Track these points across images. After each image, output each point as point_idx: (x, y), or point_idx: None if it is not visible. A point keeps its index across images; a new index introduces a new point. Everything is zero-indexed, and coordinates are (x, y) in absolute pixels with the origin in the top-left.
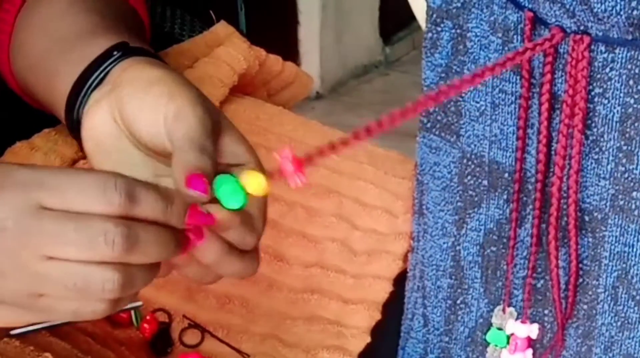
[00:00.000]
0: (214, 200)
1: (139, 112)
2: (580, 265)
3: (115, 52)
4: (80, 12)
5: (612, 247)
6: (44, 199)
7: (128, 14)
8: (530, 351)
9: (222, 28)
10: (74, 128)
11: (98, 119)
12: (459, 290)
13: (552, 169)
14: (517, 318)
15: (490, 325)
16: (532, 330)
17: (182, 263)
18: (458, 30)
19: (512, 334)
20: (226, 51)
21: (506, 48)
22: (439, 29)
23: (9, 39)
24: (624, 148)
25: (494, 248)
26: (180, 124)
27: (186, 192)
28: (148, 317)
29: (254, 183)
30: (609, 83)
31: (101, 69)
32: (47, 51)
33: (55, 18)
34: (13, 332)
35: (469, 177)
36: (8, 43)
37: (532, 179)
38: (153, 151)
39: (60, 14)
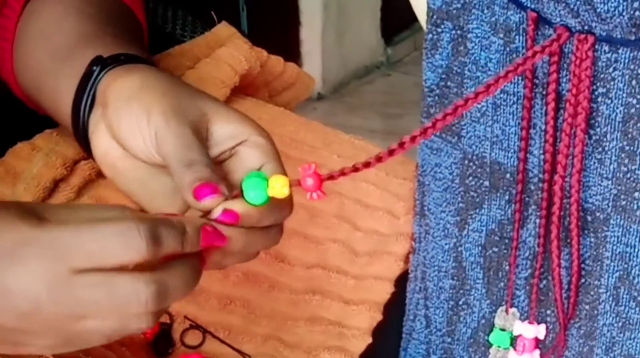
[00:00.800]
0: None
1: (126, 133)
2: (582, 265)
3: (94, 68)
4: (74, 19)
5: (614, 247)
6: (71, 264)
7: (123, 16)
8: (537, 352)
9: (223, 29)
10: (89, 151)
11: (104, 145)
12: (461, 291)
13: (554, 169)
14: (519, 319)
15: (493, 325)
16: (540, 331)
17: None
18: (458, 31)
19: (519, 335)
20: (228, 52)
21: (508, 49)
22: (440, 30)
23: (11, 46)
24: (627, 148)
25: (495, 249)
26: (163, 146)
27: (202, 205)
28: None
29: (278, 185)
30: (612, 83)
31: (88, 89)
32: (45, 65)
33: (51, 27)
34: None
35: (471, 178)
36: (11, 51)
37: (535, 180)
38: (152, 164)
39: (55, 22)
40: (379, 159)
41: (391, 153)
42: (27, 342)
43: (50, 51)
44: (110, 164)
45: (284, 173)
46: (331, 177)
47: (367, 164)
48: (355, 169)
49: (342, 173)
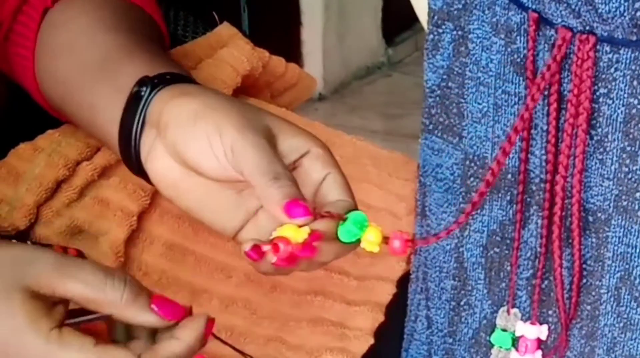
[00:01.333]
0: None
1: (194, 153)
2: (584, 266)
3: (143, 89)
4: (102, 33)
5: (616, 248)
6: None
7: (147, 25)
8: (539, 352)
9: (225, 29)
10: (140, 171)
11: (162, 168)
12: (463, 292)
13: (556, 169)
14: (521, 319)
15: (494, 326)
16: (542, 331)
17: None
18: (459, 32)
19: (521, 336)
20: (229, 53)
21: (509, 49)
22: (441, 30)
23: (32, 55)
24: (628, 148)
25: (497, 250)
26: (242, 159)
27: (294, 222)
28: None
29: (371, 237)
30: (613, 83)
31: (139, 112)
32: (75, 79)
33: (79, 40)
34: (67, 321)
35: (472, 179)
36: (32, 60)
37: (536, 180)
38: (224, 180)
39: (83, 35)
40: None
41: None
42: None
43: (79, 64)
44: (171, 185)
45: (347, 182)
46: (415, 245)
47: (449, 232)
48: (438, 237)
49: (426, 241)
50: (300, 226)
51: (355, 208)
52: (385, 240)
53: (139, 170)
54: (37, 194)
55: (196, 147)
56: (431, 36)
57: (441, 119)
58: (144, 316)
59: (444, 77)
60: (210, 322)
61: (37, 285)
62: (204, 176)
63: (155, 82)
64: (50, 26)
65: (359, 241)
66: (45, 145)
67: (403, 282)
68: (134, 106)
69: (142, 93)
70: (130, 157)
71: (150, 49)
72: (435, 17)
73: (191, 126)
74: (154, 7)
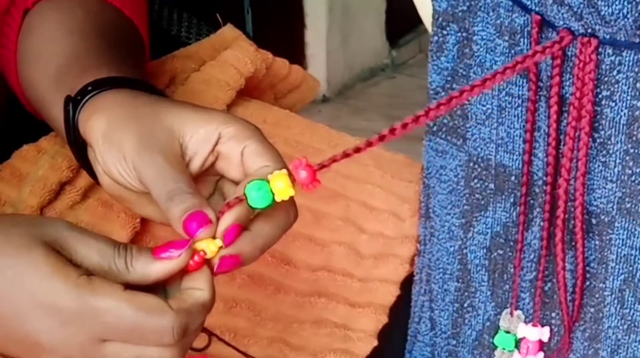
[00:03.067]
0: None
1: (113, 172)
2: (587, 268)
3: (69, 109)
4: (63, 39)
5: (619, 250)
6: (105, 335)
7: (119, 28)
8: (541, 354)
9: (228, 31)
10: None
11: (107, 183)
12: (466, 293)
13: (559, 172)
14: (524, 321)
15: (498, 328)
16: (544, 333)
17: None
18: (464, 34)
19: (523, 338)
20: (233, 54)
21: (512, 51)
22: (445, 32)
23: (14, 57)
24: (631, 150)
25: (500, 251)
26: (142, 179)
27: (198, 241)
28: None
29: (280, 184)
30: (616, 86)
31: (72, 132)
32: (41, 87)
33: (45, 47)
34: None
35: (476, 180)
36: (14, 61)
37: (539, 182)
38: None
39: (48, 42)
40: (369, 144)
41: (382, 138)
42: None
43: (44, 72)
44: (119, 196)
45: (266, 148)
46: (323, 166)
47: (357, 150)
48: (346, 155)
49: (333, 160)
50: (203, 237)
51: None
52: (292, 178)
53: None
54: (41, 195)
55: (113, 168)
56: (435, 38)
57: (445, 121)
58: (155, 267)
59: (448, 79)
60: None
61: (57, 244)
62: (133, 191)
63: (78, 99)
64: (27, 29)
65: (273, 199)
66: (49, 147)
67: (406, 284)
68: (67, 127)
69: (68, 113)
70: (89, 173)
71: (104, 53)
72: (440, 19)
73: (105, 148)
74: (136, 9)
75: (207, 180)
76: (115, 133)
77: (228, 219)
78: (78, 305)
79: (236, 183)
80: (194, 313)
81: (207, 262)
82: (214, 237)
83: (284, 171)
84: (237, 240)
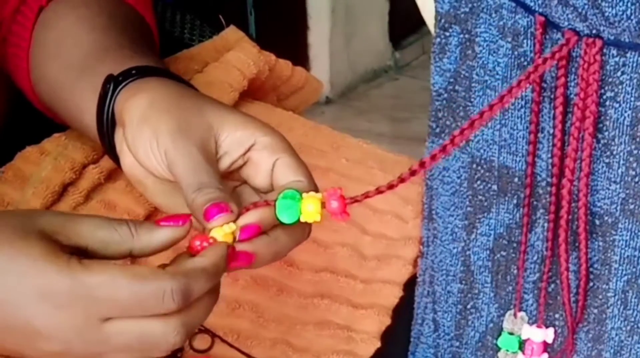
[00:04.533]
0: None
1: (142, 154)
2: (591, 269)
3: (108, 88)
4: (86, 31)
5: (623, 251)
6: (103, 314)
7: (134, 23)
8: (545, 356)
9: (231, 33)
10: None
11: (129, 164)
12: (469, 295)
13: (562, 173)
14: (527, 323)
15: (501, 329)
16: (548, 335)
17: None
18: (466, 35)
19: (527, 339)
20: (236, 56)
21: (516, 52)
22: (447, 33)
23: (27, 55)
24: (635, 152)
25: (504, 253)
26: (173, 167)
27: (211, 224)
28: None
29: (311, 207)
30: (620, 87)
31: (106, 111)
32: (61, 78)
33: (65, 39)
34: None
35: (479, 182)
36: (26, 60)
37: (543, 184)
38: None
39: (68, 34)
40: (402, 180)
41: (413, 173)
42: None
43: (65, 64)
44: (137, 180)
45: (299, 163)
46: (355, 200)
47: (390, 187)
48: (379, 191)
49: (366, 196)
50: (217, 227)
51: (314, 189)
52: (323, 205)
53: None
54: (44, 197)
55: (142, 149)
56: (438, 39)
57: (448, 123)
58: (159, 233)
59: (451, 80)
60: (232, 248)
61: (52, 231)
62: (154, 176)
63: (120, 80)
64: (43, 26)
65: (299, 218)
66: (52, 148)
67: (410, 285)
68: (102, 104)
69: (107, 92)
70: (110, 153)
71: (131, 48)
72: (442, 21)
73: (139, 128)
74: (147, 7)
75: (227, 184)
76: (154, 114)
77: (251, 216)
78: (71, 284)
79: (258, 191)
80: (194, 277)
81: None
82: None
83: (319, 195)
84: (255, 239)
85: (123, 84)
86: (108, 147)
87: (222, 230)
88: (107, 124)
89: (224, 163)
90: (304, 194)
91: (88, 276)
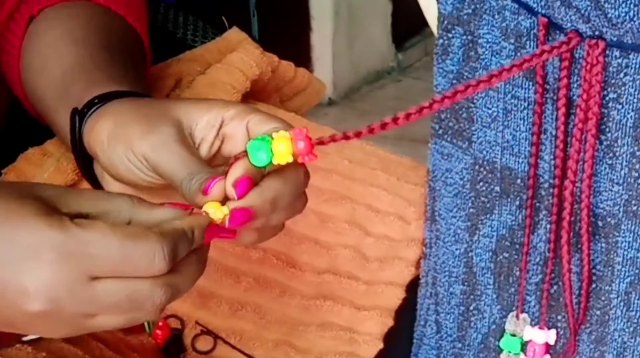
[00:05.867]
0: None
1: (124, 173)
2: (593, 271)
3: (75, 122)
4: (67, 48)
5: (625, 253)
6: (93, 272)
7: (122, 35)
8: (547, 357)
9: (234, 34)
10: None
11: (117, 190)
12: (472, 296)
13: (565, 174)
14: (530, 324)
15: (503, 331)
16: (550, 336)
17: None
18: (469, 37)
19: (529, 341)
20: (239, 57)
21: (518, 54)
22: (450, 35)
23: (18, 64)
24: (638, 153)
25: (506, 254)
26: (158, 169)
27: (211, 195)
28: (160, 324)
29: (282, 146)
30: (623, 88)
31: (78, 146)
32: (46, 95)
33: (49, 55)
34: (25, 338)
35: (481, 183)
36: (17, 67)
37: (545, 185)
38: (163, 187)
39: (53, 50)
40: (370, 130)
41: (383, 126)
42: (36, 331)
43: (48, 81)
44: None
45: (270, 116)
46: (321, 142)
47: (358, 134)
48: (346, 137)
49: (333, 139)
50: (218, 196)
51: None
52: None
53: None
54: None
55: (121, 166)
56: (441, 41)
57: (451, 124)
58: (160, 210)
59: (454, 82)
60: (212, 224)
61: (51, 199)
62: (146, 189)
63: (84, 112)
64: (31, 36)
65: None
66: (54, 150)
67: (412, 287)
68: (72, 140)
69: (74, 126)
70: (94, 186)
71: (109, 65)
72: (445, 22)
73: (110, 148)
74: (139, 17)
75: (217, 171)
76: (120, 130)
77: (237, 171)
78: (62, 239)
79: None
80: (178, 238)
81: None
82: (223, 202)
83: (287, 134)
84: (247, 194)
85: (87, 115)
86: (90, 179)
87: (215, 205)
88: (83, 160)
89: (203, 149)
90: (274, 134)
91: (80, 232)
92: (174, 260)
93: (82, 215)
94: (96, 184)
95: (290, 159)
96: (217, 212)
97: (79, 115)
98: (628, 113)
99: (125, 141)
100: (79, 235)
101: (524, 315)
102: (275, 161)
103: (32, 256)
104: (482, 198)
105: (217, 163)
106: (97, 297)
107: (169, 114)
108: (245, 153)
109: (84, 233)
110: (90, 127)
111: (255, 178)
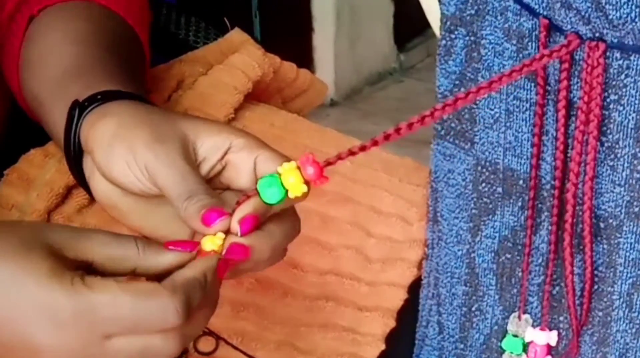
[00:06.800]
0: None
1: (118, 174)
2: (595, 272)
3: (73, 114)
4: (67, 48)
5: (627, 254)
6: (106, 331)
7: (122, 37)
8: None
9: (236, 35)
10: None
11: (102, 189)
12: (474, 297)
13: (567, 176)
14: (532, 325)
15: (506, 332)
16: (552, 337)
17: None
18: (472, 38)
19: (531, 342)
20: (241, 58)
21: (520, 55)
22: (453, 36)
23: (17, 65)
24: (639, 154)
25: (508, 255)
26: (157, 179)
27: (213, 230)
28: None
29: (292, 179)
30: (624, 90)
31: (72, 138)
32: (42, 94)
33: (48, 54)
34: None
35: (484, 184)
36: (17, 69)
37: (547, 186)
38: (154, 196)
39: (52, 50)
40: (374, 142)
41: (387, 137)
42: None
43: (46, 80)
44: (112, 205)
45: (279, 154)
46: (329, 163)
47: (363, 148)
48: (352, 152)
49: (339, 157)
50: (217, 232)
51: None
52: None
53: (89, 190)
54: (48, 199)
55: (117, 169)
56: (443, 42)
57: (453, 125)
58: (165, 257)
59: (456, 82)
60: (222, 260)
61: (59, 247)
62: (134, 195)
63: (85, 105)
64: (31, 36)
65: (285, 193)
66: (56, 151)
67: (414, 288)
68: (67, 132)
69: (73, 118)
70: (78, 179)
71: (108, 68)
72: (448, 23)
73: (110, 148)
74: (139, 19)
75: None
76: (125, 132)
77: (245, 210)
78: (75, 303)
79: (243, 193)
80: (190, 289)
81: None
82: (227, 232)
83: (293, 164)
84: (250, 234)
85: (88, 109)
86: (77, 175)
87: (213, 239)
88: (74, 151)
89: (203, 169)
90: (279, 168)
91: (91, 295)
92: (188, 312)
93: (88, 263)
94: (81, 181)
95: (305, 189)
96: (215, 241)
97: (80, 108)
98: (629, 115)
99: (129, 146)
100: (91, 299)
101: (526, 316)
102: (291, 195)
103: (44, 317)
104: (485, 199)
105: (213, 186)
106: (110, 355)
107: (177, 127)
108: (255, 191)
109: (96, 296)
110: (91, 123)
111: (263, 217)
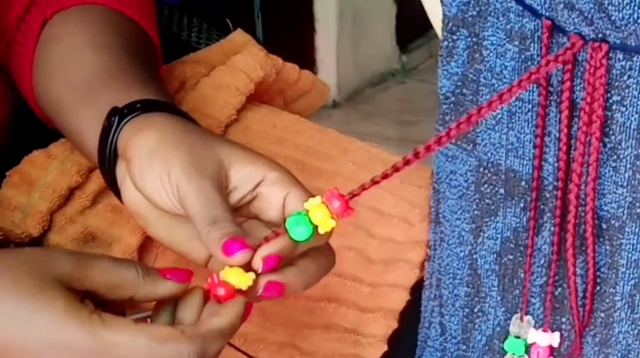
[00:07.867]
0: None
1: (151, 188)
2: (598, 273)
3: (112, 120)
4: (92, 53)
5: (630, 255)
6: None
7: (139, 41)
8: None
9: (238, 36)
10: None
11: (132, 197)
12: (476, 299)
13: (569, 177)
14: (534, 326)
15: (508, 333)
16: (554, 339)
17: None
18: (474, 39)
19: (533, 343)
20: (243, 59)
21: (523, 56)
22: (455, 37)
23: (30, 66)
24: None
25: (511, 257)
26: (185, 201)
27: (232, 260)
28: None
29: (319, 214)
30: (626, 91)
31: (109, 143)
32: (65, 98)
33: (70, 59)
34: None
35: (486, 185)
36: (29, 70)
37: (550, 187)
38: (181, 215)
39: (74, 54)
40: (396, 169)
41: (407, 162)
42: None
43: (69, 84)
44: (140, 214)
45: (309, 195)
46: (354, 195)
47: (385, 176)
48: (375, 182)
49: (363, 188)
50: (240, 263)
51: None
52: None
53: (118, 195)
54: (51, 201)
55: (151, 183)
56: (445, 43)
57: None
58: (163, 286)
59: (458, 84)
60: (249, 304)
61: (68, 279)
62: (162, 210)
63: (125, 113)
64: (47, 40)
65: (314, 231)
66: (59, 152)
67: (416, 289)
68: (105, 137)
69: (112, 124)
70: (109, 183)
71: (135, 72)
72: (450, 24)
73: (148, 163)
74: (151, 22)
75: (237, 219)
76: (163, 149)
77: (272, 248)
78: (92, 342)
79: (270, 225)
80: (210, 339)
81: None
82: (247, 268)
83: (319, 199)
84: (285, 270)
85: (128, 118)
86: (109, 179)
87: (236, 272)
88: (109, 157)
89: (234, 197)
90: (305, 205)
91: (109, 334)
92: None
93: (92, 291)
94: (113, 186)
95: (333, 224)
96: (242, 279)
97: (119, 115)
98: (632, 115)
99: (165, 163)
100: (108, 338)
101: (528, 317)
102: (321, 231)
103: (62, 354)
104: (487, 200)
105: (241, 213)
106: None
107: (214, 152)
108: (284, 229)
109: (114, 337)
110: (131, 132)
111: (291, 255)
